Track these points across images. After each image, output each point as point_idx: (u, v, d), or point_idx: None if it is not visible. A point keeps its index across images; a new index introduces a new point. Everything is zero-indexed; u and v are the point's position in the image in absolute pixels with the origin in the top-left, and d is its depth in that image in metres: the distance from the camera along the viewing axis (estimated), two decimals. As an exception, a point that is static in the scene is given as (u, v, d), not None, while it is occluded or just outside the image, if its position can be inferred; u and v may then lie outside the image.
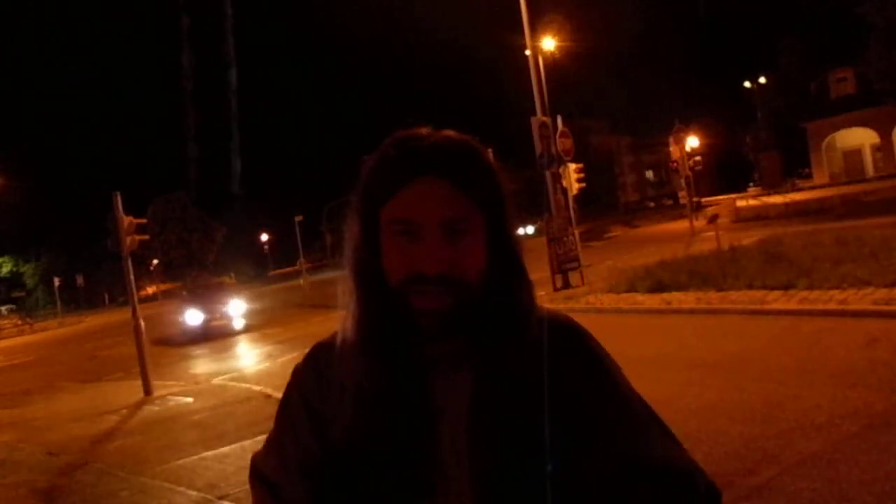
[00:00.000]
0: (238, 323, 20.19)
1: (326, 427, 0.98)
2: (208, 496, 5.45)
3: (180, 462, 6.50)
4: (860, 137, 44.38)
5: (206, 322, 19.83)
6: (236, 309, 20.78)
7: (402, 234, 0.92)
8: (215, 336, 18.36)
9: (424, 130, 0.96)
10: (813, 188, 39.08)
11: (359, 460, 0.94)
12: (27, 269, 72.26)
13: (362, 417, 0.94)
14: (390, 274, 0.93)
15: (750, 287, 10.50)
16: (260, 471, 1.03)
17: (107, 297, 68.29)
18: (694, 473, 0.99)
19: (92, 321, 42.92)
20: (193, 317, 19.82)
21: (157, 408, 9.51)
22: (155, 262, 65.11)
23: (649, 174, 79.38)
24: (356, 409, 0.95)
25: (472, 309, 0.92)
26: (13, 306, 65.12)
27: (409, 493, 0.92)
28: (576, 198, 18.74)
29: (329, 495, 0.96)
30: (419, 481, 0.92)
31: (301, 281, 31.72)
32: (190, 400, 9.69)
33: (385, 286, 0.93)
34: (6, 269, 71.61)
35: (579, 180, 18.43)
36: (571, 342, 1.06)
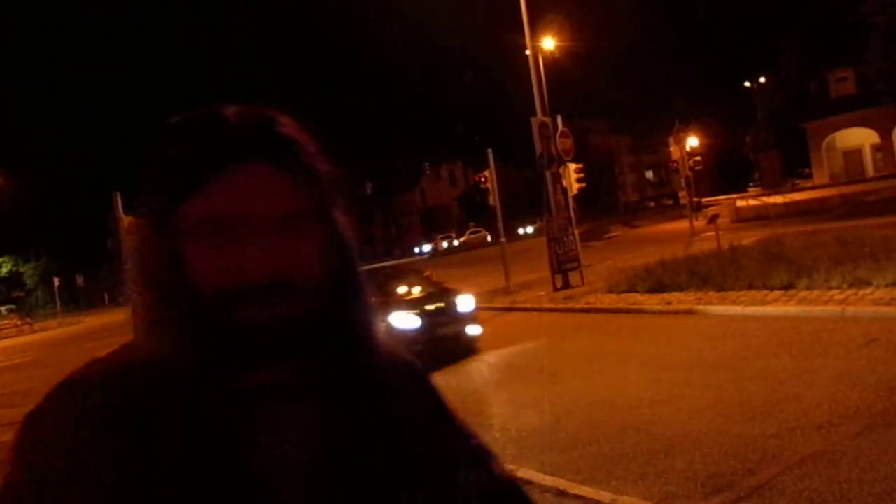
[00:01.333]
0: None
1: (116, 487, 0.69)
2: None
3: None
4: (860, 137, 44.39)
5: None
6: None
7: (217, 235, 0.72)
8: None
9: (228, 106, 0.77)
10: (813, 188, 39.10)
11: None
12: (27, 269, 72.30)
13: (169, 478, 0.70)
14: (203, 285, 0.72)
15: (750, 287, 10.51)
16: None
17: (107, 297, 68.31)
18: (523, 492, 0.97)
19: (92, 321, 42.93)
20: None
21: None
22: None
23: (649, 174, 79.44)
24: (159, 469, 0.70)
25: (309, 324, 0.74)
26: (13, 306, 65.13)
27: None
28: (576, 198, 18.71)
29: None
30: None
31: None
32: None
33: (195, 301, 0.72)
34: (6, 269, 71.63)
35: (579, 180, 18.42)
36: (410, 372, 0.92)
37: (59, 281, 52.08)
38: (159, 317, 0.74)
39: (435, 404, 0.92)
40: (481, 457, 0.92)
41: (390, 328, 8.86)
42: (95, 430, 0.70)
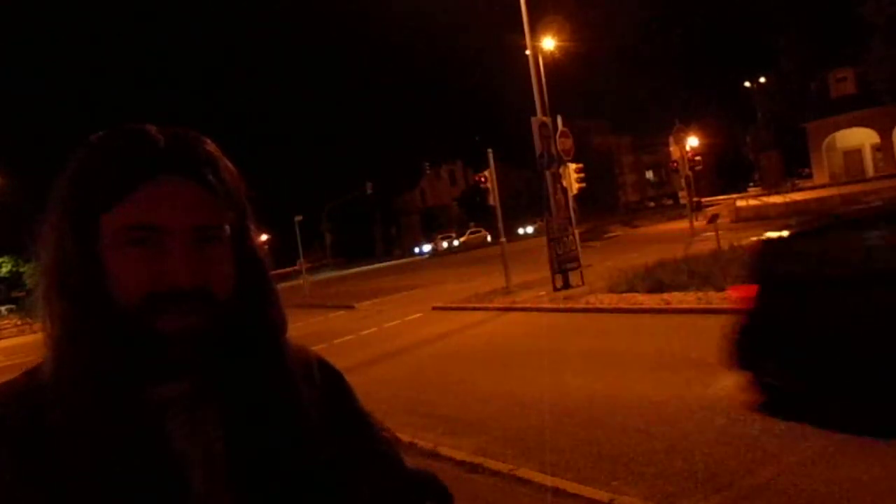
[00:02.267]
0: None
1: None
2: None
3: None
4: (860, 137, 44.39)
5: None
6: None
7: (138, 244, 0.75)
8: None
9: (150, 125, 0.81)
10: (813, 188, 39.10)
11: None
12: (27, 269, 72.21)
13: (84, 487, 0.72)
14: (123, 293, 0.75)
15: (750, 287, 10.50)
16: None
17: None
18: (436, 478, 1.04)
19: (92, 321, 42.88)
20: None
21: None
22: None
23: (649, 174, 79.41)
24: (75, 479, 0.72)
25: (221, 333, 0.78)
26: (13, 306, 65.10)
27: None
28: (576, 198, 18.72)
29: None
30: None
31: (301, 281, 31.72)
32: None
33: (111, 309, 0.75)
34: (6, 269, 71.56)
35: (579, 180, 18.42)
36: (324, 367, 0.97)
37: (59, 281, 52.00)
38: (75, 327, 0.76)
39: (343, 403, 0.97)
40: (386, 451, 0.98)
41: None
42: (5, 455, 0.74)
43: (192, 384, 0.79)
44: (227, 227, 0.80)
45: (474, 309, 14.56)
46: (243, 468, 0.80)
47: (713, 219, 17.13)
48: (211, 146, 0.82)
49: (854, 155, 45.53)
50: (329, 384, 0.96)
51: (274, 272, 0.92)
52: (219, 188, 0.79)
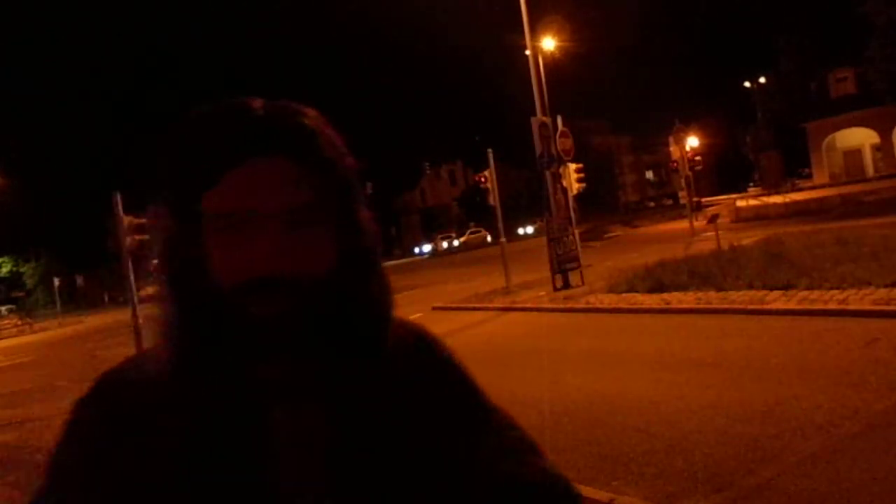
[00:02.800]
0: None
1: (126, 487, 0.73)
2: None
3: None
4: (860, 137, 44.42)
5: None
6: None
7: (230, 229, 0.73)
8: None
9: (253, 99, 0.77)
10: (813, 188, 39.11)
11: None
12: (27, 269, 72.28)
13: (182, 467, 0.73)
14: (220, 278, 0.73)
15: (750, 287, 10.51)
16: None
17: (106, 297, 68.29)
18: (568, 488, 0.94)
19: (92, 321, 42.91)
20: None
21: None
22: (155, 261, 65.05)
23: (649, 174, 79.45)
24: (173, 459, 0.73)
25: (320, 315, 0.75)
26: (13, 306, 65.09)
27: None
28: (576, 198, 18.72)
29: None
30: None
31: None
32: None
33: (213, 293, 0.73)
34: (6, 269, 71.61)
35: (579, 180, 18.43)
36: (428, 353, 0.91)
37: (59, 281, 52.05)
38: (176, 309, 0.76)
39: (457, 395, 0.90)
40: (510, 450, 0.90)
41: None
42: (103, 421, 0.76)
43: (293, 368, 0.75)
44: (324, 207, 0.76)
45: (474, 309, 14.56)
46: (341, 458, 0.78)
47: (713, 219, 17.13)
48: (312, 119, 0.78)
49: (854, 155, 45.56)
50: (440, 367, 0.90)
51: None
52: (317, 166, 0.75)
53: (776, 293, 9.87)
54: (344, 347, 0.77)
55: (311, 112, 0.79)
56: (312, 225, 0.75)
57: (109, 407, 0.77)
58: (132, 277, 11.53)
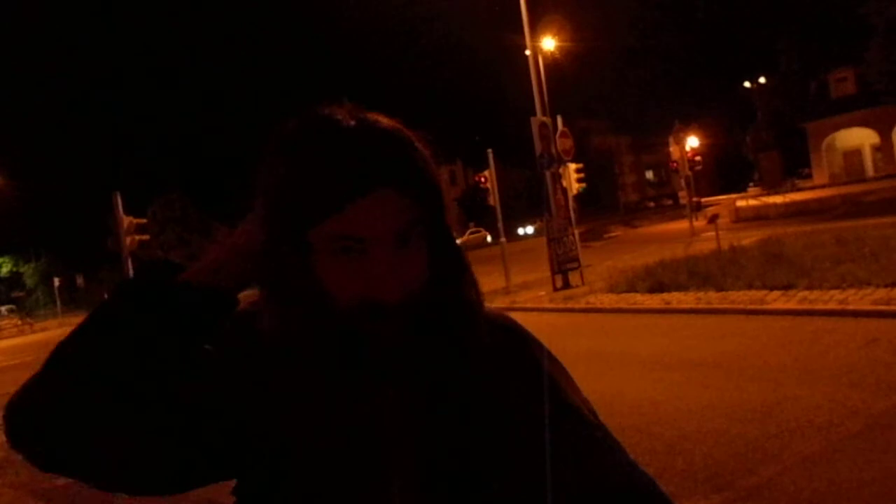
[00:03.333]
0: None
1: (245, 395, 0.85)
2: (209, 496, 5.45)
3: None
4: (860, 137, 44.42)
5: None
6: None
7: (346, 252, 0.79)
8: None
9: (346, 119, 0.81)
10: (813, 188, 39.11)
11: (301, 483, 0.84)
12: (27, 269, 72.28)
13: (306, 438, 0.84)
14: (337, 296, 0.80)
15: (750, 287, 10.51)
16: None
17: (107, 297, 68.24)
18: (653, 491, 0.97)
19: (92, 321, 42.86)
20: None
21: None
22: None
23: (649, 174, 79.38)
24: (298, 429, 0.84)
25: (419, 318, 0.82)
26: (13, 306, 65.09)
27: (345, 496, 0.84)
28: (576, 198, 18.74)
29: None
30: (357, 491, 0.84)
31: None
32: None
33: (331, 312, 0.80)
34: (6, 269, 71.61)
35: (579, 180, 18.45)
36: (519, 348, 0.95)
37: (59, 281, 52.07)
38: (297, 326, 0.82)
39: (541, 382, 0.93)
40: (593, 448, 0.92)
41: None
42: (244, 346, 0.86)
43: (399, 372, 0.84)
44: (425, 225, 0.82)
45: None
46: (435, 451, 0.85)
47: (713, 219, 17.13)
48: (410, 144, 0.82)
49: (854, 155, 45.57)
50: (528, 366, 0.93)
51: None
52: (418, 191, 0.81)
53: (776, 293, 9.88)
54: (442, 344, 0.85)
55: (405, 133, 0.83)
56: (415, 241, 0.81)
57: (251, 337, 0.85)
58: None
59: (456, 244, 0.89)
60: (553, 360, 0.96)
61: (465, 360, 0.86)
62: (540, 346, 0.97)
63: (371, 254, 0.78)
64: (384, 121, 0.83)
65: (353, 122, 0.81)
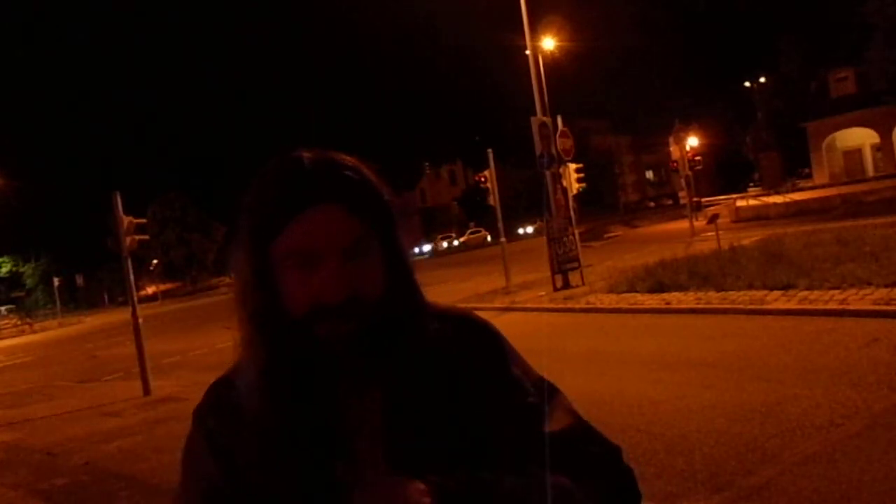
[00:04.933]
0: None
1: (234, 464, 0.96)
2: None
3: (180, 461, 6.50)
4: (860, 137, 44.36)
5: None
6: None
7: (298, 267, 0.89)
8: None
9: (305, 153, 0.93)
10: (813, 188, 39.08)
11: (271, 496, 0.93)
12: (27, 269, 72.25)
13: (273, 452, 0.93)
14: (291, 308, 0.90)
15: (750, 287, 10.50)
16: None
17: (107, 297, 68.26)
18: (617, 448, 1.07)
19: (92, 321, 42.89)
20: None
21: (156, 408, 9.51)
22: (155, 262, 65.14)
23: (649, 174, 79.40)
24: (266, 446, 0.93)
25: (376, 327, 0.91)
26: (13, 306, 65.07)
27: None
28: (576, 198, 18.72)
29: None
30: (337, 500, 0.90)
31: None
32: (190, 400, 9.69)
33: (284, 321, 0.91)
34: (6, 269, 71.57)
35: (579, 180, 18.43)
36: (473, 334, 1.04)
37: (59, 281, 52.06)
38: (253, 335, 0.94)
39: (495, 362, 1.03)
40: (555, 412, 1.05)
41: None
42: (214, 415, 1.01)
43: (357, 369, 0.93)
44: (372, 239, 0.92)
45: (474, 309, 14.52)
46: (398, 437, 0.93)
47: (713, 219, 17.13)
48: (353, 169, 0.93)
49: (854, 155, 45.51)
50: (478, 346, 1.03)
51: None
52: (363, 209, 0.91)
53: (776, 293, 9.87)
54: (393, 346, 0.94)
55: (351, 161, 0.94)
56: (363, 256, 0.91)
57: (217, 401, 1.01)
58: (132, 277, 11.52)
59: (407, 260, 0.98)
60: (505, 345, 1.07)
61: (413, 353, 0.95)
62: (494, 333, 1.07)
63: (319, 266, 0.88)
64: (340, 155, 0.94)
65: (309, 156, 0.93)
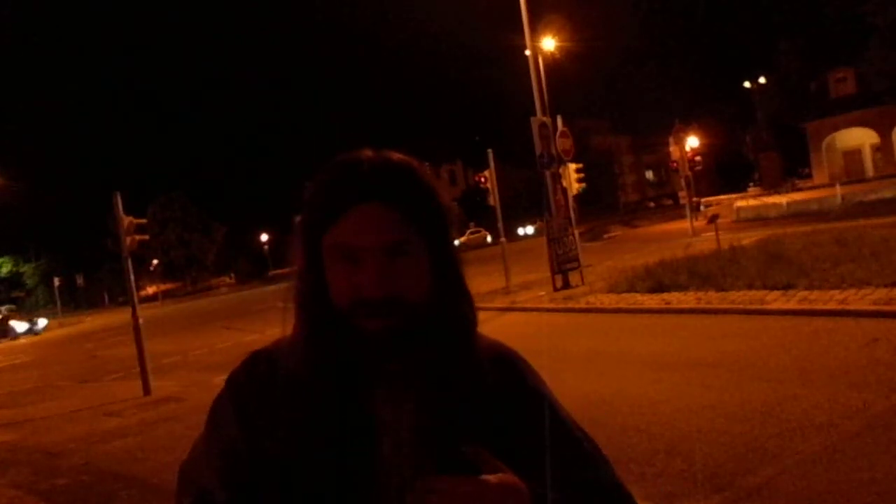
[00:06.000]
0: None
1: (260, 435, 0.97)
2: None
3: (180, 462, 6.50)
4: (860, 137, 44.37)
5: None
6: None
7: (344, 260, 0.92)
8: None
9: (365, 153, 0.97)
10: (813, 188, 39.06)
11: (298, 476, 0.94)
12: (27, 269, 72.25)
13: (305, 434, 0.94)
14: (336, 298, 0.93)
15: (750, 287, 10.51)
16: (188, 476, 1.02)
17: (107, 297, 68.24)
18: (628, 496, 1.04)
19: (92, 321, 42.88)
20: None
21: (156, 408, 9.51)
22: (155, 262, 65.16)
23: (649, 174, 79.41)
24: (297, 420, 0.95)
25: (418, 328, 0.93)
26: (13, 306, 65.05)
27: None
28: (576, 198, 18.73)
29: (262, 502, 0.96)
30: (355, 495, 0.93)
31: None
32: (190, 400, 9.69)
33: (331, 310, 0.94)
34: (6, 269, 71.57)
35: (579, 180, 18.44)
36: (511, 371, 1.05)
37: (59, 281, 52.06)
38: (302, 324, 0.98)
39: (531, 399, 1.03)
40: (581, 456, 1.02)
41: None
42: (248, 383, 1.01)
43: (395, 369, 0.95)
44: (419, 241, 0.94)
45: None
46: (428, 439, 0.94)
47: (713, 219, 17.12)
48: (409, 170, 0.96)
49: (854, 155, 45.50)
50: (511, 378, 1.04)
51: (274, 272, 0.97)
52: (412, 211, 0.94)
53: (776, 293, 9.87)
54: (434, 352, 0.95)
55: (409, 163, 0.97)
56: (408, 256, 0.93)
57: (254, 370, 1.02)
58: (132, 277, 11.51)
59: (456, 265, 1.00)
60: (542, 381, 1.08)
61: (455, 368, 0.96)
62: (532, 368, 1.09)
63: (362, 261, 0.91)
64: (400, 156, 0.98)
65: (369, 155, 0.96)
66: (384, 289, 0.90)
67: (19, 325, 39.45)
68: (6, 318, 40.92)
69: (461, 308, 1.00)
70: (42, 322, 40.43)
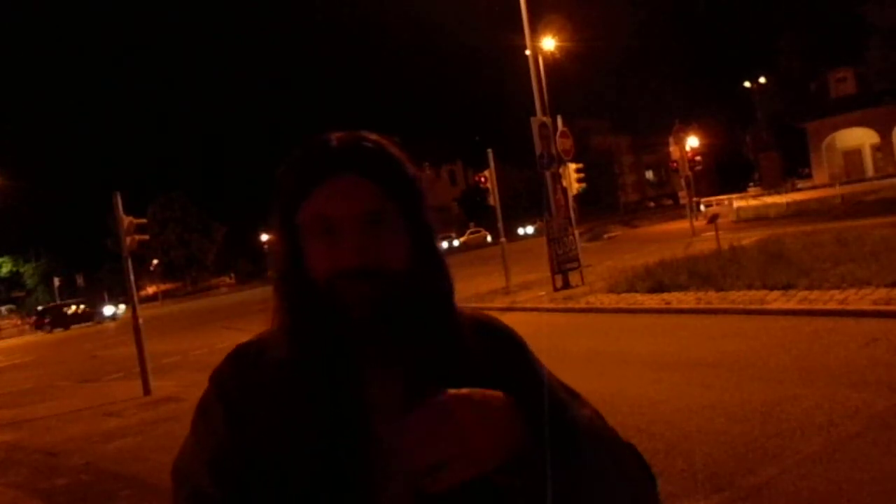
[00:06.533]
0: None
1: (249, 428, 0.96)
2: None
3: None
4: (860, 137, 44.34)
5: None
6: None
7: (321, 233, 0.93)
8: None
9: (334, 133, 0.98)
10: (813, 188, 39.06)
11: (292, 465, 0.93)
12: (27, 269, 72.22)
13: (296, 421, 0.93)
14: (315, 273, 0.93)
15: (750, 287, 10.51)
16: (182, 473, 1.00)
17: (107, 297, 68.26)
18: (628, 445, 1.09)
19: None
20: None
21: (156, 408, 9.51)
22: (155, 262, 65.20)
23: (649, 174, 79.43)
24: (285, 410, 0.94)
25: (399, 299, 0.93)
26: (13, 306, 65.06)
27: (340, 492, 0.91)
28: (576, 198, 18.74)
29: (255, 496, 0.94)
30: (351, 481, 0.92)
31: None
32: (190, 400, 9.69)
33: (311, 286, 0.94)
34: (6, 269, 71.54)
35: (579, 180, 18.45)
36: (494, 335, 1.05)
37: (59, 281, 52.09)
38: (282, 298, 0.98)
39: (518, 364, 1.03)
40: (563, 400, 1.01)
41: None
42: (233, 376, 1.01)
43: (381, 349, 0.94)
44: (393, 211, 0.94)
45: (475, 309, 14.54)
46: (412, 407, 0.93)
47: (713, 219, 17.12)
48: (374, 142, 0.97)
49: (854, 155, 45.47)
50: (498, 344, 1.04)
51: (273, 272, 1.01)
52: (385, 181, 0.94)
53: (776, 293, 9.87)
54: (417, 324, 0.95)
55: (373, 137, 0.99)
56: (383, 225, 0.93)
57: (238, 363, 1.01)
58: (132, 277, 11.52)
59: (432, 235, 1.00)
60: (525, 344, 1.07)
61: (440, 336, 0.96)
62: (513, 331, 1.08)
63: (338, 232, 0.92)
64: (366, 133, 0.98)
65: (337, 135, 0.97)
66: (362, 257, 0.91)
67: (107, 309, 43.58)
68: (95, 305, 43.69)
69: (439, 276, 1.00)
70: (122, 308, 42.25)
